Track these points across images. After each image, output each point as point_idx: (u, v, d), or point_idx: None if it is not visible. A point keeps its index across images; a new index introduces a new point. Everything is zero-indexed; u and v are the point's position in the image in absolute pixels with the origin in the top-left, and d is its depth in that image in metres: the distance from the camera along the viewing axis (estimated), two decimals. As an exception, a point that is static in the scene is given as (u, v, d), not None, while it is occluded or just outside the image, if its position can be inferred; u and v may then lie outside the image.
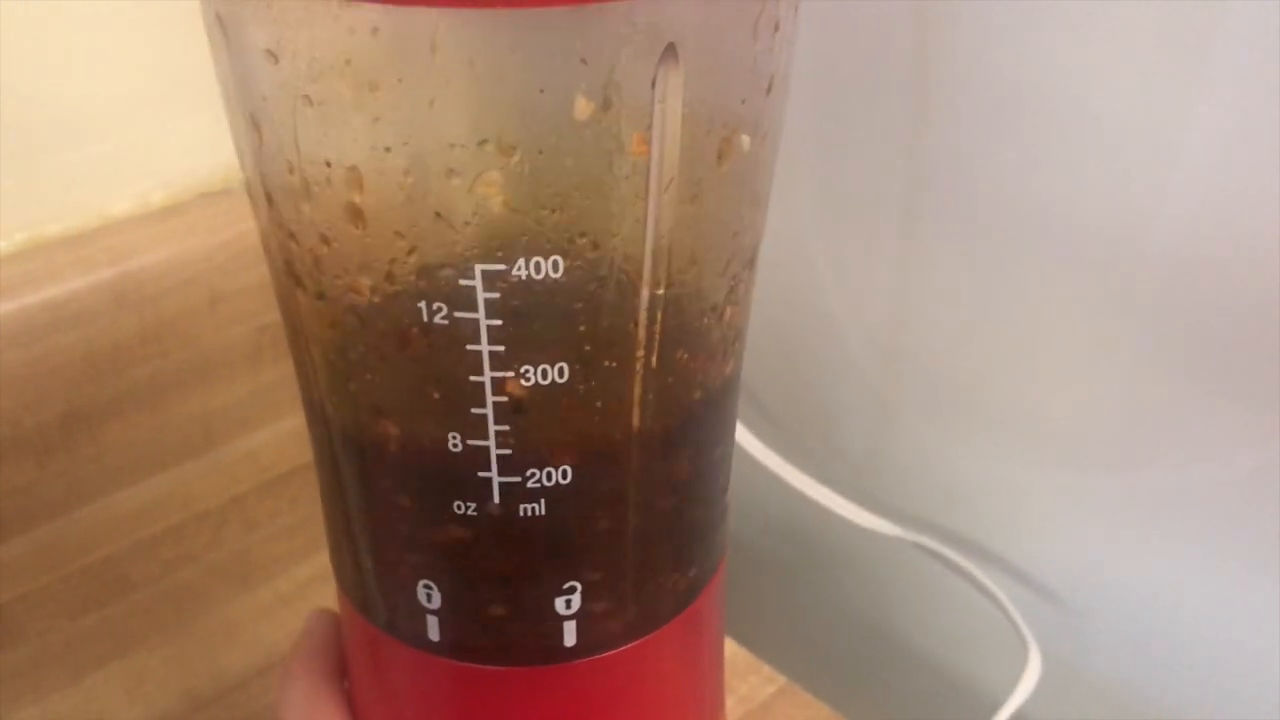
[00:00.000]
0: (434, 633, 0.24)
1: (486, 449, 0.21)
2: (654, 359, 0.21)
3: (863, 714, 0.42)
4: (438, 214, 0.19)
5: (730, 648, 0.45)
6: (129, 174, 0.48)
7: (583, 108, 0.18)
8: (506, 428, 0.21)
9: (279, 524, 0.49)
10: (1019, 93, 0.38)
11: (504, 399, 0.20)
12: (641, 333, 0.21)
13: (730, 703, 0.43)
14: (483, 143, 0.18)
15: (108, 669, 0.43)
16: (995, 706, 0.41)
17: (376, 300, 0.20)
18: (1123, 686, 0.44)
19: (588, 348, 0.20)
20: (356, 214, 0.20)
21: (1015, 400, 0.43)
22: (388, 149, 0.19)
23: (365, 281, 0.20)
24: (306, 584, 0.47)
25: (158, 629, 0.45)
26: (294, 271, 0.22)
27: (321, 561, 0.48)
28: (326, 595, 0.46)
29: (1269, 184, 0.33)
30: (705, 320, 0.22)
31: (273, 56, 0.19)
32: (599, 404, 0.21)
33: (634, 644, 0.24)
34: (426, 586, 0.23)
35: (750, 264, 0.23)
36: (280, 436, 0.52)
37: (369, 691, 0.27)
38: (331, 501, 0.25)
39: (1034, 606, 0.45)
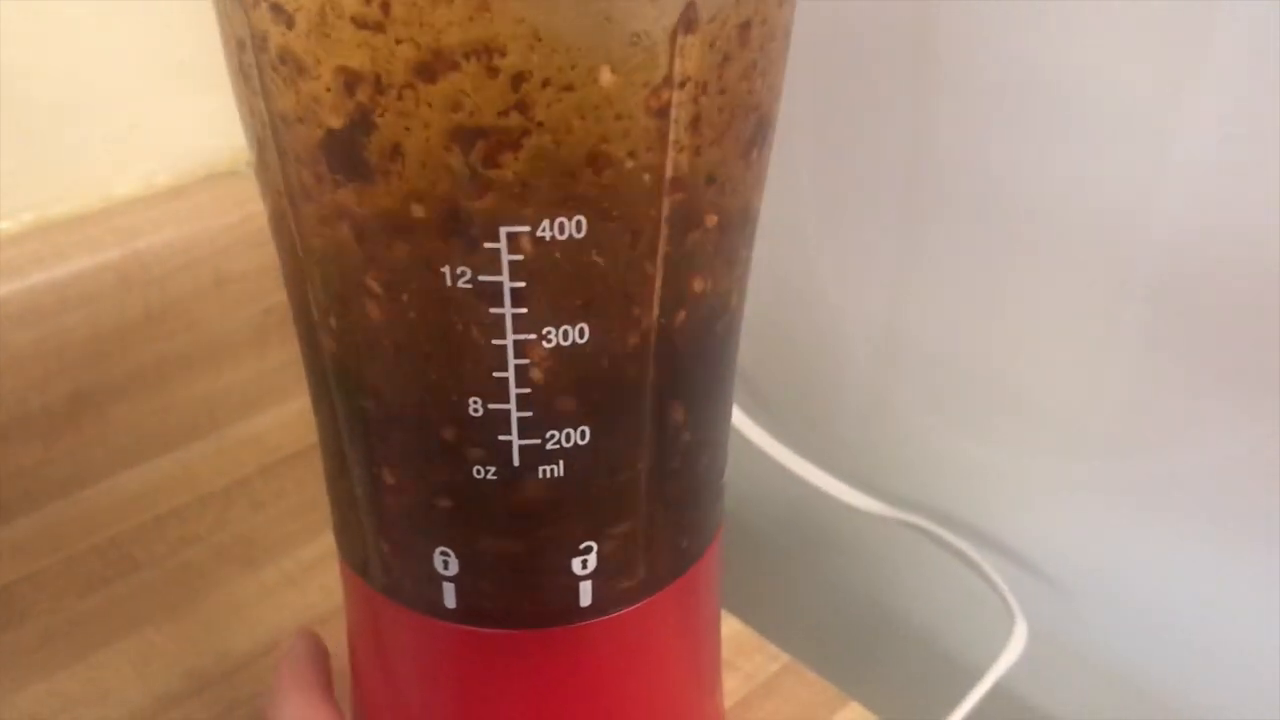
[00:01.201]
0: (450, 600, 0.24)
1: (507, 412, 0.21)
2: (668, 313, 0.21)
3: (861, 690, 0.43)
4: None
5: (735, 626, 0.45)
6: (134, 155, 0.48)
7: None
8: (527, 390, 0.21)
9: (284, 505, 0.50)
10: (1017, 82, 0.38)
11: (525, 361, 0.21)
12: (657, 287, 0.21)
13: (735, 680, 0.43)
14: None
15: (114, 647, 0.43)
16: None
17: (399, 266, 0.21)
18: (1108, 659, 0.44)
19: (607, 304, 0.21)
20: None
21: (1009, 386, 0.44)
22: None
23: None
24: (312, 565, 0.47)
25: (163, 608, 0.45)
26: (303, 233, 0.22)
27: (327, 542, 0.48)
28: (331, 575, 0.46)
29: (1266, 173, 0.34)
30: (716, 267, 0.23)
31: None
32: (617, 361, 0.21)
33: (645, 602, 0.24)
34: (444, 554, 0.23)
35: (751, 223, 0.23)
36: (285, 418, 0.52)
37: (377, 667, 0.27)
38: (339, 477, 0.25)
39: (1022, 581, 0.45)
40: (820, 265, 0.48)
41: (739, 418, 0.48)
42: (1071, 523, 0.44)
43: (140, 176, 0.48)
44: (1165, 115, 0.35)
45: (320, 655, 0.30)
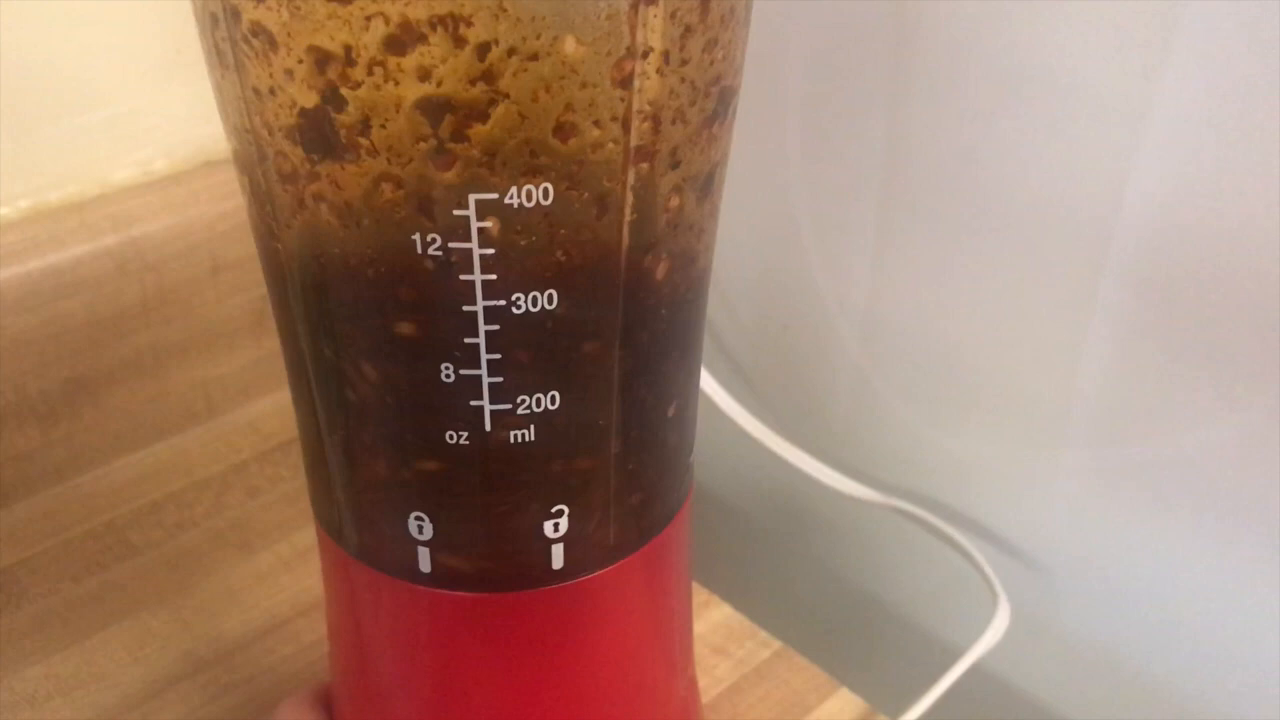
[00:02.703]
0: (425, 564, 0.24)
1: (478, 378, 0.22)
2: (635, 279, 0.22)
3: (849, 675, 0.43)
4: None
5: (726, 612, 0.46)
6: (131, 142, 0.49)
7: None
8: (498, 356, 0.21)
9: (279, 491, 0.50)
10: (996, 73, 0.39)
11: (495, 328, 0.21)
12: (623, 257, 0.21)
13: (727, 666, 0.44)
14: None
15: (110, 631, 0.44)
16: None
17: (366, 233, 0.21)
18: (1087, 641, 0.45)
19: (575, 270, 0.21)
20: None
21: (992, 374, 0.44)
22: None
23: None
24: (307, 550, 0.47)
25: (159, 593, 0.45)
26: (278, 210, 0.22)
27: (321, 527, 0.49)
28: (326, 559, 0.47)
29: (1243, 160, 0.34)
30: (685, 233, 0.23)
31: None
32: (586, 326, 0.22)
33: (615, 565, 0.25)
34: (418, 519, 0.24)
35: (714, 197, 0.24)
36: (281, 405, 0.53)
37: (352, 633, 0.28)
38: (315, 445, 0.25)
39: (1004, 564, 0.46)
40: (806, 254, 0.49)
41: (729, 406, 0.49)
42: (1053, 508, 0.44)
43: (137, 163, 0.49)
44: (1142, 102, 0.35)
45: (324, 691, 0.32)
